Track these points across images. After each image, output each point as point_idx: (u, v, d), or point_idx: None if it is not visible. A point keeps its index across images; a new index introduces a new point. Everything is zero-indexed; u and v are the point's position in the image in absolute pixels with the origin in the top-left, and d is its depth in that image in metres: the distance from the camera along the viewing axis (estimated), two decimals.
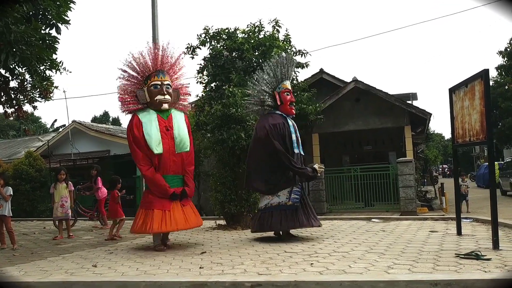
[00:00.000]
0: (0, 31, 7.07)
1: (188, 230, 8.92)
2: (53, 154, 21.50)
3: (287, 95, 7.34)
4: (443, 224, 8.22)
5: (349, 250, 5.77)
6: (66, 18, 8.72)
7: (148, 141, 6.58)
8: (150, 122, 6.68)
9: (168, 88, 6.92)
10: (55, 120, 53.48)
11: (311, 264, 4.95)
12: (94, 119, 50.99)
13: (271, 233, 7.29)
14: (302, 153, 7.31)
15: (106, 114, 57.14)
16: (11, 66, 9.68)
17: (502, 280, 3.68)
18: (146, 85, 6.89)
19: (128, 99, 7.03)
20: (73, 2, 8.67)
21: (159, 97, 6.79)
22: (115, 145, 19.16)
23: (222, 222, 9.30)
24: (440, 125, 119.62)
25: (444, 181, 22.90)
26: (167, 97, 6.86)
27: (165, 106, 6.85)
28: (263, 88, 7.40)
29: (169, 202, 6.58)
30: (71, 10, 8.89)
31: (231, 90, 9.12)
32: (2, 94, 10.54)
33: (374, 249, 5.71)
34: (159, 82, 6.86)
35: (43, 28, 8.40)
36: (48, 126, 51.96)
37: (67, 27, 8.87)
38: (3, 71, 10.03)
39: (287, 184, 7.03)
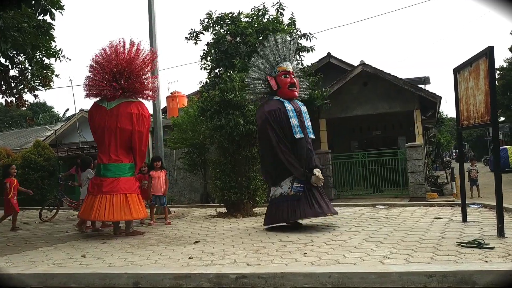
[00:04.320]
0: None
1: (187, 219, 8.81)
2: (61, 143, 21.57)
3: (285, 77, 6.84)
4: (450, 210, 7.94)
5: (346, 238, 5.54)
6: (60, 3, 8.53)
7: None
8: None
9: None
10: (67, 110, 53.55)
11: (305, 253, 4.74)
12: None
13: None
14: (310, 136, 6.91)
15: None
16: (10, 55, 9.54)
17: (503, 271, 3.42)
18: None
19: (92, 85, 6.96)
20: None
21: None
22: None
23: (223, 209, 9.12)
24: (454, 109, 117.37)
25: (456, 166, 22.39)
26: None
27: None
28: (253, 76, 7.13)
29: None
30: None
31: (228, 74, 8.87)
32: (2, 83, 10.43)
33: (372, 238, 5.48)
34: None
35: (36, 14, 8.18)
36: (61, 115, 52.31)
37: (61, 12, 8.66)
38: (2, 60, 9.90)
39: (287, 173, 6.67)
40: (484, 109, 5.31)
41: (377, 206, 9.10)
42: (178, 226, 7.81)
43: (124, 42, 7.01)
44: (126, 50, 6.96)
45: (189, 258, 4.85)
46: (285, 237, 5.92)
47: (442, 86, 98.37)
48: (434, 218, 6.98)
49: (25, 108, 53.62)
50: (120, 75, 6.82)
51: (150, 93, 7.21)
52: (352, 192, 14.98)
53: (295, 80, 7.00)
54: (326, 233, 6.10)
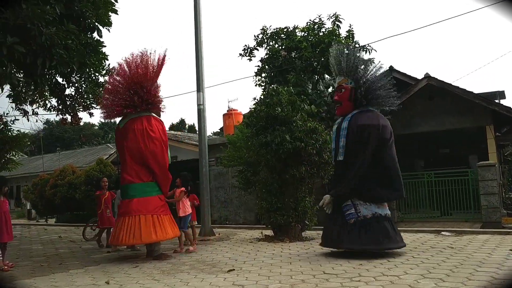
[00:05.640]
0: (33, 34, 6.88)
1: (230, 242, 8.30)
2: None
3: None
4: None
5: (401, 273, 4.75)
6: (107, 20, 8.48)
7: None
8: None
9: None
10: None
11: None
12: (172, 127, 52.25)
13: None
14: (337, 158, 6.40)
15: (182, 122, 58.52)
16: (67, 74, 9.63)
17: None
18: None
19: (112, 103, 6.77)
20: (113, 4, 8.37)
21: None
22: (182, 151, 19.09)
23: (270, 232, 8.51)
24: None
25: None
26: None
27: None
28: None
29: None
30: (117, 14, 8.62)
31: (274, 88, 8.34)
32: (59, 101, 10.64)
33: (432, 273, 4.65)
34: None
35: (83, 30, 8.15)
36: None
37: (108, 29, 8.63)
38: (60, 79, 10.03)
39: None
40: None
41: (442, 233, 8.09)
42: (219, 249, 7.30)
43: (133, 55, 6.76)
44: (133, 65, 6.70)
45: None
46: (329, 268, 5.22)
47: None
48: (510, 250, 5.95)
49: (97, 127, 56.45)
50: (126, 91, 6.65)
51: (154, 105, 6.82)
52: (417, 215, 13.81)
53: (337, 96, 6.60)
54: (378, 264, 5.32)
